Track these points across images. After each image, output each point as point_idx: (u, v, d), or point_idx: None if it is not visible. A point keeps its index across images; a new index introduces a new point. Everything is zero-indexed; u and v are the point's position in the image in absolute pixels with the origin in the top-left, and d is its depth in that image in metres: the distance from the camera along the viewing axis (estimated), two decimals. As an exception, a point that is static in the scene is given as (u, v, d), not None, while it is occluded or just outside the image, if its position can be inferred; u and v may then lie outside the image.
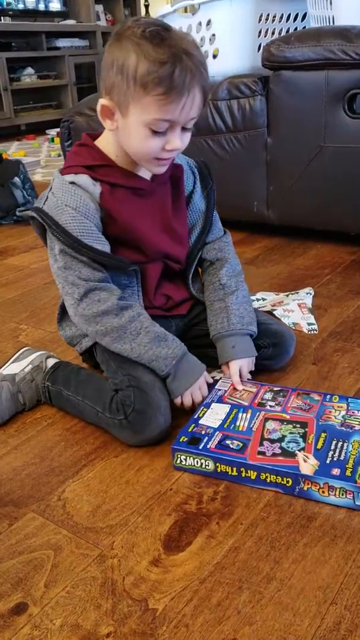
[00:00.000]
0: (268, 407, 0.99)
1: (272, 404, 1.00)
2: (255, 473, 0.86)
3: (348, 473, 0.82)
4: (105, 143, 0.98)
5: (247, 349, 1.08)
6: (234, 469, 0.88)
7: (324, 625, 0.66)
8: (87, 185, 0.96)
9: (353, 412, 0.95)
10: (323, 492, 0.82)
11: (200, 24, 2.05)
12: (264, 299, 1.53)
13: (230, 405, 1.00)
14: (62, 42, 5.07)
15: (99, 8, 5.50)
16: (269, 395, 1.02)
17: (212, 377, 1.14)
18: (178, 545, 0.78)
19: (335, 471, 0.82)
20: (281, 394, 1.02)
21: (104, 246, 0.97)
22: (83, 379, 1.07)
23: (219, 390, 1.05)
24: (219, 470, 0.88)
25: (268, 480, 0.86)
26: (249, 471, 0.87)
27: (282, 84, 1.74)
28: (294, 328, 1.36)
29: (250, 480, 0.87)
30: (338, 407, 0.97)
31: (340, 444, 0.88)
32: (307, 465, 0.84)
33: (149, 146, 0.91)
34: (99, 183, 0.97)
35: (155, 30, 0.85)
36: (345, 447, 0.87)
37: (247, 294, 1.15)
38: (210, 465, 0.89)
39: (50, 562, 0.77)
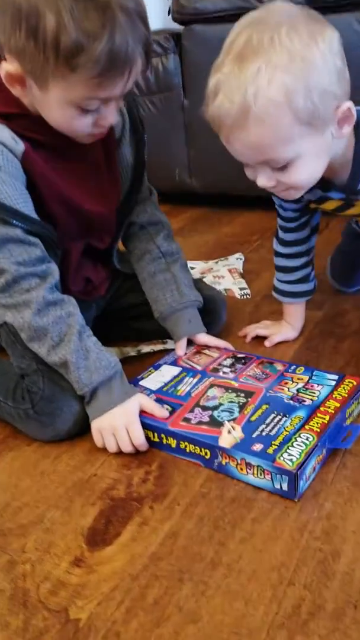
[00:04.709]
0: (221, 374, 0.88)
1: (227, 370, 0.89)
2: (175, 441, 0.76)
3: (270, 450, 0.70)
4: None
5: (200, 323, 0.98)
6: (155, 434, 0.78)
7: (282, 610, 0.55)
8: (6, 140, 0.74)
9: (312, 386, 0.83)
10: (241, 469, 0.71)
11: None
12: (192, 268, 1.42)
13: (180, 369, 0.91)
14: None
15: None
16: (228, 362, 0.92)
17: (138, 351, 1.03)
18: (104, 538, 0.66)
19: (257, 447, 0.71)
20: (242, 361, 0.92)
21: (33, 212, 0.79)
22: None
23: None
24: None
25: (187, 449, 0.75)
26: (169, 438, 0.77)
27: (195, 39, 1.64)
28: (226, 294, 1.26)
29: (171, 449, 0.77)
30: (298, 379, 0.85)
31: (278, 418, 0.76)
32: (229, 437, 0.73)
33: (78, 125, 0.74)
34: (20, 139, 0.76)
35: None
36: (282, 422, 0.75)
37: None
38: None
39: None
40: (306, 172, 0.72)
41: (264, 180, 0.72)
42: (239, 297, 1.26)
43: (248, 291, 1.28)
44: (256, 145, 0.68)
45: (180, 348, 0.95)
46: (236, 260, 1.44)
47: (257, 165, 0.72)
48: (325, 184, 0.80)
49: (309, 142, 0.68)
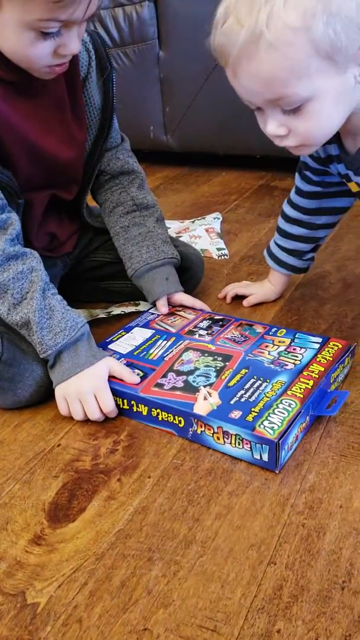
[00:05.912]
0: (197, 337, 0.82)
1: (204, 333, 0.83)
2: (146, 408, 0.70)
3: (249, 418, 0.65)
4: None
5: (178, 281, 0.91)
6: (125, 401, 0.72)
7: (262, 593, 0.50)
8: None
9: (294, 349, 0.78)
10: (218, 438, 0.66)
11: None
12: (167, 228, 1.34)
13: (154, 331, 0.84)
14: None
15: None
16: (204, 324, 0.85)
17: (109, 313, 0.96)
18: (67, 514, 0.60)
19: (235, 414, 0.65)
20: (220, 323, 0.86)
21: None
22: None
23: (151, 315, 0.89)
24: None
25: (160, 417, 0.70)
26: (139, 405, 0.71)
27: (172, -15, 1.53)
28: (202, 255, 1.19)
29: (142, 417, 0.72)
30: (279, 342, 0.80)
31: (258, 383, 0.71)
32: (205, 404, 0.68)
33: (35, 53, 0.65)
34: None
35: None
36: (262, 388, 0.70)
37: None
38: None
39: None
40: (320, 119, 0.62)
41: (273, 126, 0.63)
42: (216, 257, 1.20)
43: (226, 251, 1.22)
44: (266, 79, 0.59)
45: (164, 306, 0.88)
46: (213, 220, 1.37)
47: (266, 108, 0.62)
48: (341, 148, 0.72)
49: (326, 80, 0.59)
